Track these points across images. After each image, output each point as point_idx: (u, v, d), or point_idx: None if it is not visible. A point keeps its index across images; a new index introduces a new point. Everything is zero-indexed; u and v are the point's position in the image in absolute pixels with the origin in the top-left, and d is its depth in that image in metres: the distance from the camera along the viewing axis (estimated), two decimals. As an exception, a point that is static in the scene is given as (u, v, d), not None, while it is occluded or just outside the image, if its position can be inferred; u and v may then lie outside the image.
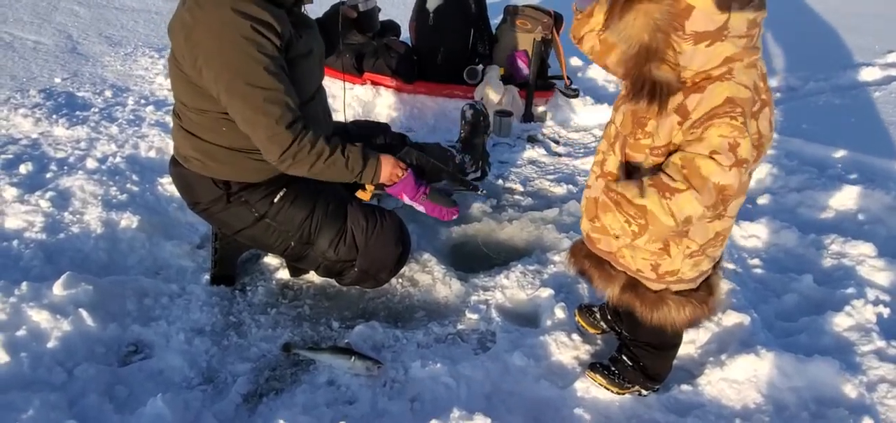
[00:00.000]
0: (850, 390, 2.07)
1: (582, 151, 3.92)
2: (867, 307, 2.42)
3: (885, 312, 2.43)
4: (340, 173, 2.24)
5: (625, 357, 2.12)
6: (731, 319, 2.33)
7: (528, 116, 4.26)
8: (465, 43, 4.42)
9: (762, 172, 3.55)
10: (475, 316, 2.44)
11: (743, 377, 2.12)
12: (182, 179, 2.37)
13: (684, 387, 2.13)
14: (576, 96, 4.38)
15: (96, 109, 3.90)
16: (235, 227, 2.36)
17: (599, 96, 4.54)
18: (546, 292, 2.49)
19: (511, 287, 2.58)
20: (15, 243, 2.56)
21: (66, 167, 3.18)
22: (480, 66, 4.31)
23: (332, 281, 2.57)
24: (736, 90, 1.53)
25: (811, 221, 3.19)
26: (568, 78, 4.43)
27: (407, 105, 4.24)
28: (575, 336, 2.32)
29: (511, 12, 4.46)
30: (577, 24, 1.74)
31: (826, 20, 6.65)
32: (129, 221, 2.75)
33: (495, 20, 4.63)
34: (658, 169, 1.65)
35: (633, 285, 1.90)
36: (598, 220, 1.86)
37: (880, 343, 2.27)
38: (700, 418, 2.02)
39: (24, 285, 2.22)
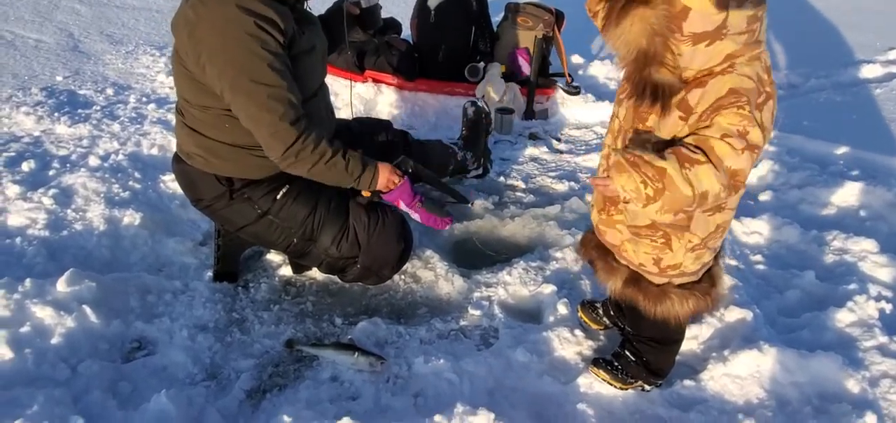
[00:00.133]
0: (853, 385, 2.08)
1: (583, 148, 3.92)
2: (869, 303, 2.42)
3: (888, 308, 2.44)
4: (340, 176, 2.24)
5: (628, 353, 2.12)
6: (734, 314, 2.34)
7: (530, 114, 4.26)
8: (467, 40, 4.42)
9: (764, 169, 3.56)
10: (478, 312, 2.44)
11: (745, 373, 2.12)
12: (185, 176, 2.37)
13: (687, 382, 2.14)
14: (577, 94, 4.38)
15: (98, 107, 3.91)
16: (238, 223, 2.36)
17: (600, 94, 4.54)
18: (548, 289, 2.50)
19: (513, 284, 2.58)
20: (18, 240, 2.57)
21: (68, 165, 3.18)
22: (482, 64, 4.30)
23: (335, 278, 2.57)
24: (739, 81, 1.53)
25: (813, 217, 3.19)
26: (569, 75, 4.44)
27: (408, 103, 4.24)
28: (578, 332, 2.33)
29: (512, 10, 4.46)
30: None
31: (827, 17, 6.65)
32: (131, 218, 2.76)
33: (497, 18, 4.63)
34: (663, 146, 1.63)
35: (635, 279, 1.91)
36: (604, 212, 1.87)
37: (883, 339, 2.27)
38: (703, 413, 2.03)
39: (27, 282, 2.22)
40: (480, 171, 3.40)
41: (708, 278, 1.91)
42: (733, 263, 2.71)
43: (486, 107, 3.42)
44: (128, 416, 1.88)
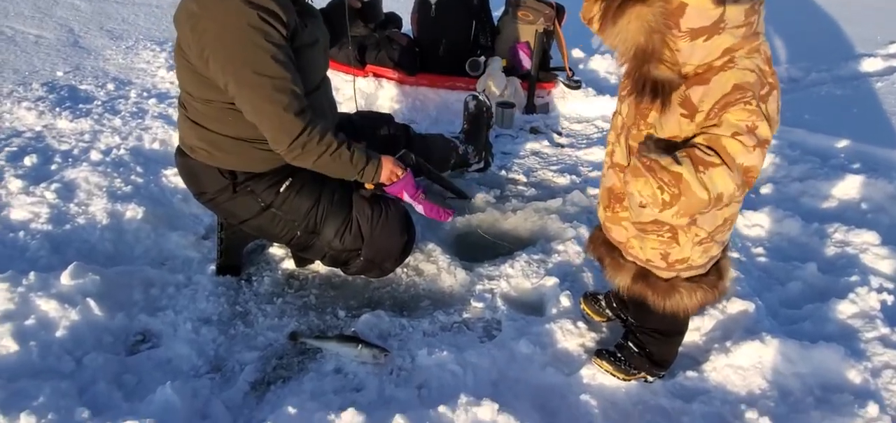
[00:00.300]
0: (855, 376, 2.08)
1: (584, 142, 3.92)
2: (871, 295, 2.43)
3: (889, 299, 2.44)
4: (344, 168, 2.25)
5: (631, 344, 2.13)
6: (736, 306, 2.34)
7: (531, 108, 4.26)
8: (467, 35, 4.42)
9: (765, 162, 3.54)
10: (480, 305, 2.45)
11: (748, 364, 2.13)
12: (188, 170, 2.37)
13: (690, 373, 2.15)
14: (578, 88, 4.38)
15: (99, 102, 3.91)
16: (241, 216, 2.36)
17: (601, 88, 4.54)
18: (551, 281, 2.50)
19: (516, 276, 2.58)
20: (21, 234, 2.57)
21: (70, 159, 3.19)
22: (482, 58, 4.31)
23: (338, 271, 2.58)
24: (741, 76, 1.53)
25: (814, 210, 3.20)
26: (570, 69, 4.44)
27: (409, 97, 4.24)
28: (580, 324, 2.33)
29: (513, 4, 4.46)
30: (587, 6, 1.74)
31: (827, 12, 6.65)
32: (134, 212, 2.76)
33: (497, 12, 4.63)
34: (676, 147, 1.63)
35: (643, 274, 1.91)
36: (610, 209, 1.87)
37: (884, 330, 2.28)
38: (705, 403, 2.03)
39: (31, 276, 2.23)
40: (482, 165, 3.41)
41: (715, 270, 1.91)
42: (735, 255, 2.71)
43: (487, 101, 3.42)
44: (133, 408, 1.88)
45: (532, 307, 2.48)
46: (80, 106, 3.82)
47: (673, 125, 1.63)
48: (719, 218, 1.76)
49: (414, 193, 2.42)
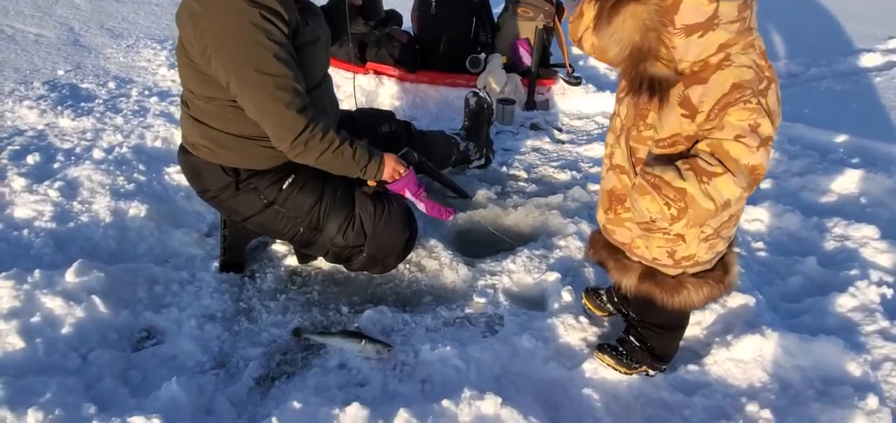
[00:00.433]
0: (855, 368, 2.09)
1: (585, 138, 3.94)
2: (871, 288, 2.44)
3: (889, 292, 2.46)
4: (346, 165, 2.26)
5: (632, 338, 2.14)
6: (736, 300, 2.36)
7: (531, 104, 4.28)
8: (468, 32, 4.43)
9: (765, 157, 3.57)
10: (483, 300, 2.46)
11: (749, 357, 2.14)
12: (191, 167, 2.38)
13: (691, 367, 2.16)
14: (578, 84, 4.39)
15: (100, 101, 3.92)
16: (244, 214, 2.37)
17: (601, 84, 4.56)
18: (553, 276, 2.52)
19: (518, 271, 2.60)
20: (25, 231, 2.58)
21: (73, 158, 3.20)
22: (483, 55, 4.32)
23: (341, 267, 2.59)
24: (739, 74, 1.54)
25: (814, 204, 3.21)
26: (570, 66, 4.45)
27: (410, 94, 4.25)
28: (582, 318, 2.35)
29: (513, 1, 4.47)
30: (573, 28, 1.76)
31: (827, 7, 6.66)
32: (137, 210, 2.77)
33: (497, 9, 4.64)
34: (678, 157, 1.65)
35: (650, 273, 1.92)
36: (612, 211, 1.89)
37: (884, 323, 2.29)
38: (707, 396, 2.05)
39: (36, 273, 2.23)
40: (483, 161, 3.42)
41: (721, 265, 1.92)
42: (736, 250, 2.72)
43: (487, 98, 3.43)
44: (139, 403, 1.89)
45: (534, 302, 2.50)
46: (82, 104, 3.83)
47: (673, 124, 1.65)
48: (725, 214, 1.78)
49: (416, 192, 2.43)
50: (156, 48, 4.91)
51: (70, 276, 2.26)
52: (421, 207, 2.49)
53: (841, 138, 3.81)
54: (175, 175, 3.06)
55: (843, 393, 2.01)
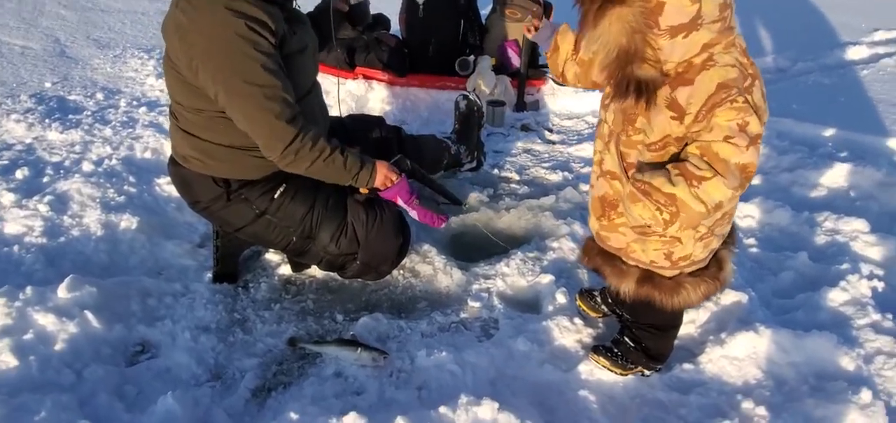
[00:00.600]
0: (848, 363, 2.11)
1: (575, 138, 3.95)
2: (862, 282, 2.46)
3: (880, 285, 2.48)
4: (338, 173, 2.25)
5: (627, 339, 2.15)
6: (730, 298, 2.37)
7: (521, 106, 4.28)
8: (456, 34, 4.43)
9: (754, 153, 3.59)
10: (477, 304, 2.46)
11: (743, 354, 2.16)
12: (181, 179, 2.38)
13: (686, 366, 2.17)
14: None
15: (89, 113, 3.90)
16: (236, 224, 2.37)
17: (591, 83, 4.56)
18: (546, 279, 2.52)
19: (511, 275, 2.60)
20: (15, 247, 2.57)
21: (62, 171, 3.18)
22: (472, 57, 4.32)
23: (335, 275, 2.58)
24: (723, 74, 1.57)
25: (804, 199, 3.23)
26: (559, 66, 4.45)
27: (400, 98, 4.25)
28: (577, 320, 2.35)
29: (500, 2, 4.47)
30: (552, 63, 1.77)
31: (812, 1, 6.70)
32: (128, 222, 2.76)
33: (485, 11, 4.64)
34: (667, 162, 1.66)
35: (648, 276, 1.92)
36: (605, 218, 1.89)
37: (876, 316, 2.31)
38: (702, 395, 2.06)
39: (28, 290, 2.22)
40: (474, 164, 3.42)
41: (715, 262, 1.94)
42: (734, 249, 2.73)
43: (477, 100, 3.44)
44: (135, 419, 1.89)
45: (528, 305, 2.50)
46: (70, 117, 3.81)
47: (663, 125, 1.66)
48: (718, 214, 1.78)
49: (408, 199, 2.43)
50: (143, 58, 4.88)
51: (62, 291, 2.24)
52: (413, 214, 2.49)
53: (829, 132, 3.83)
54: (166, 186, 3.05)
55: (836, 388, 2.02)
